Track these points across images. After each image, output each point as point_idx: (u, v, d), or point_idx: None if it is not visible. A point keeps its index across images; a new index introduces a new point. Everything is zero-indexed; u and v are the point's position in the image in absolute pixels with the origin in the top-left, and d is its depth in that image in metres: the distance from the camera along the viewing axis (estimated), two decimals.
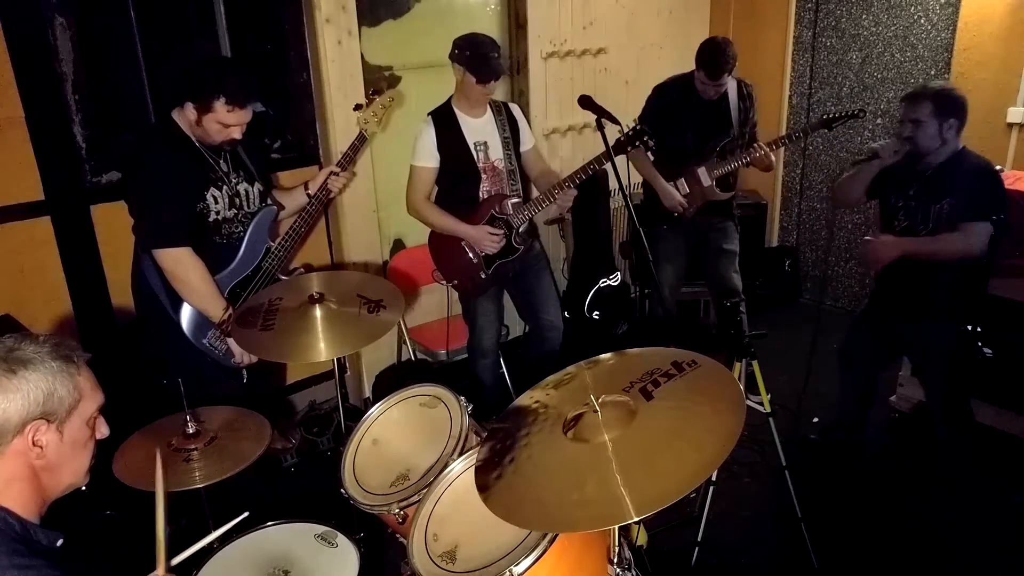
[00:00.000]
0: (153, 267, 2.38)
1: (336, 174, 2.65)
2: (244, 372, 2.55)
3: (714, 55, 3.15)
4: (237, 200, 2.46)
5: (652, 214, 3.52)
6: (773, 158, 3.29)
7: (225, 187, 2.42)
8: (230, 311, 2.37)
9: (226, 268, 2.47)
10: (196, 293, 2.36)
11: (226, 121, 2.30)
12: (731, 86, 3.32)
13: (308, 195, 2.67)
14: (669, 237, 3.53)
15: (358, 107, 2.71)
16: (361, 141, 2.67)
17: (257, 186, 2.54)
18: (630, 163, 3.46)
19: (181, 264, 2.32)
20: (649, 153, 3.51)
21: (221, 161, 2.43)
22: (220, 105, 2.26)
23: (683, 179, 3.39)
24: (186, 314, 2.41)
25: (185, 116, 2.33)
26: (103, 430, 1.32)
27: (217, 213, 2.41)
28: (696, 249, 3.61)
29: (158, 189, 2.30)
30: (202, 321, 2.42)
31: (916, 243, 2.62)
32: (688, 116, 3.35)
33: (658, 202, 3.46)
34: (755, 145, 3.26)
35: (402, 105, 3.68)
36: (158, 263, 2.34)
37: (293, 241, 2.58)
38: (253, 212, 2.52)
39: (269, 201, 2.59)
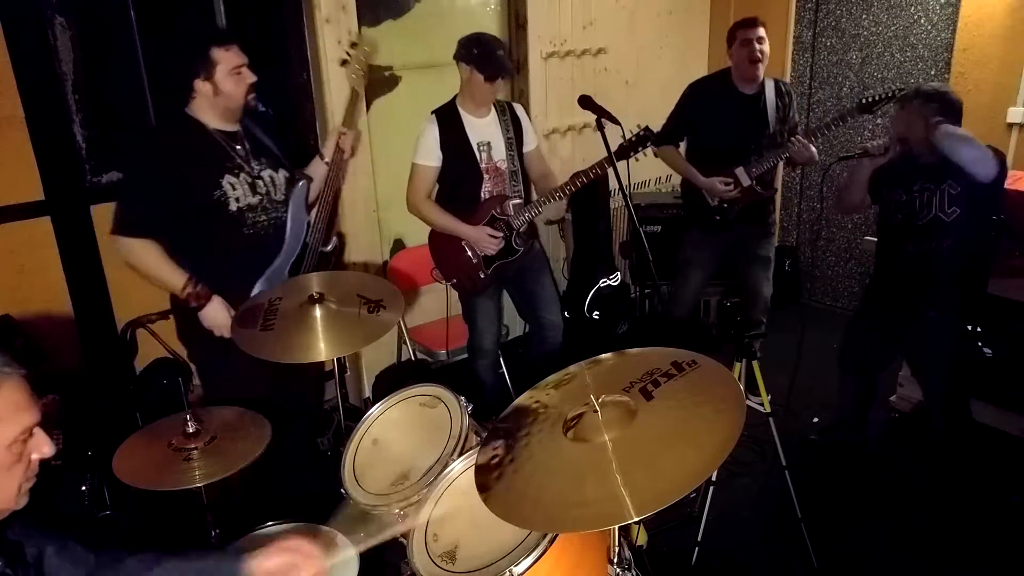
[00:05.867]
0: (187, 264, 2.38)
1: (344, 133, 2.68)
2: None
3: (742, 19, 3.25)
4: (260, 185, 2.43)
5: (691, 217, 3.49)
6: (814, 150, 3.23)
7: (243, 174, 2.39)
8: (191, 283, 2.33)
9: (278, 254, 2.47)
10: (151, 276, 2.34)
11: (232, 63, 2.30)
12: (768, 85, 3.31)
13: (326, 163, 2.68)
14: (705, 242, 3.50)
15: (344, 63, 2.79)
16: (356, 97, 2.73)
17: (283, 172, 2.52)
18: (662, 162, 3.46)
19: (133, 253, 2.30)
20: (683, 150, 3.49)
21: (238, 147, 2.40)
22: (218, 52, 2.28)
23: (722, 180, 3.33)
24: None
25: (202, 98, 2.32)
26: (44, 449, 1.17)
27: (237, 200, 2.36)
28: (729, 254, 3.56)
29: (136, 180, 2.34)
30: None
31: (961, 134, 2.50)
32: (724, 114, 3.32)
33: (697, 205, 3.42)
34: (792, 139, 3.20)
35: (402, 105, 3.69)
36: (116, 250, 2.32)
37: (326, 211, 2.61)
38: (281, 200, 2.49)
39: (297, 176, 2.59)
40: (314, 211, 2.61)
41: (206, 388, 2.60)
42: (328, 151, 2.69)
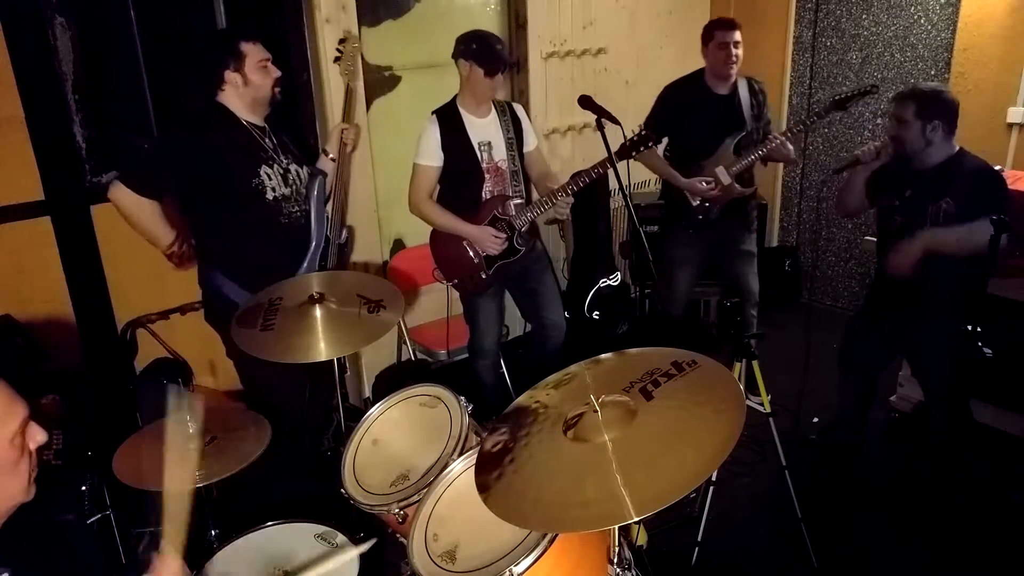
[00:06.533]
0: (223, 275, 2.46)
1: (347, 128, 2.80)
2: None
3: (719, 19, 3.30)
4: (290, 177, 2.54)
5: (674, 218, 3.50)
6: (791, 147, 3.27)
7: (276, 165, 2.50)
8: (178, 243, 2.45)
9: (309, 247, 2.57)
10: (141, 228, 2.40)
11: (260, 57, 2.44)
12: (742, 84, 3.33)
13: (332, 159, 2.79)
14: (690, 241, 3.51)
15: (337, 59, 2.89)
16: (351, 94, 2.85)
17: (306, 168, 2.64)
18: (643, 165, 3.46)
19: (130, 205, 2.34)
20: (664, 152, 3.50)
21: (267, 140, 2.52)
22: (246, 45, 2.42)
23: (702, 180, 3.35)
24: None
25: (231, 88, 2.44)
26: (38, 438, 1.19)
27: (274, 190, 2.47)
28: (714, 252, 3.58)
29: (167, 150, 2.45)
30: None
31: (939, 235, 2.54)
32: (701, 114, 3.33)
33: (680, 206, 3.44)
34: (770, 136, 3.24)
35: (402, 105, 3.69)
36: (112, 201, 2.37)
37: (339, 205, 2.74)
38: (306, 193, 2.59)
39: (314, 171, 2.69)
40: (329, 205, 2.70)
41: (244, 382, 2.68)
42: (333, 147, 2.79)
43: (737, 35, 3.21)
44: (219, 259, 2.49)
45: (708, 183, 3.31)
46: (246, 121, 2.47)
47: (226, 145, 2.41)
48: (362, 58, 3.42)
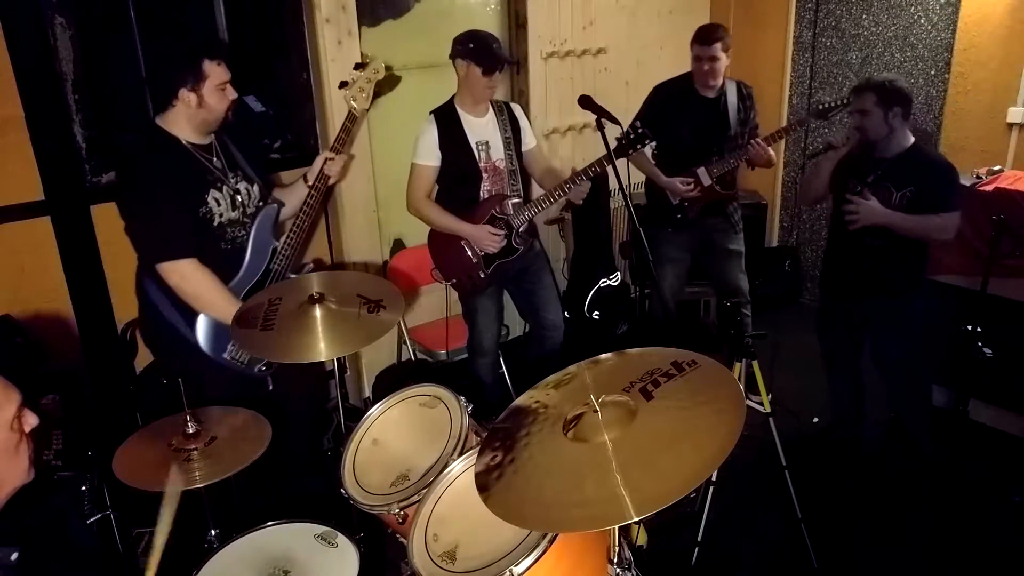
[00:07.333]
0: (158, 288, 2.31)
1: (331, 159, 2.57)
2: (268, 380, 2.52)
3: (704, 27, 3.32)
4: (238, 198, 2.39)
5: (655, 216, 3.52)
6: (772, 153, 3.32)
7: (225, 187, 2.35)
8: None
9: (235, 275, 2.39)
10: (209, 304, 2.30)
11: (221, 79, 2.25)
12: (730, 87, 3.36)
13: (308, 186, 2.57)
14: (672, 239, 3.53)
15: (343, 84, 2.63)
16: (352, 120, 2.59)
17: (256, 186, 2.48)
18: (630, 162, 3.47)
19: (188, 279, 2.25)
20: (649, 151, 3.52)
21: (214, 159, 2.35)
22: (209, 65, 2.23)
23: (682, 179, 3.39)
24: (202, 332, 2.34)
25: (182, 108, 2.25)
26: (31, 421, 1.25)
27: (221, 215, 2.33)
28: (699, 251, 3.60)
29: (154, 200, 2.23)
30: (219, 335, 2.35)
31: (902, 219, 2.68)
32: (687, 116, 3.36)
33: (660, 204, 3.46)
34: (752, 141, 3.28)
35: (402, 105, 3.68)
36: (164, 279, 2.26)
37: (298, 237, 2.50)
38: (254, 213, 2.44)
39: (269, 200, 2.53)
40: (284, 237, 2.50)
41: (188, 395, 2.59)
42: (312, 175, 2.59)
43: (714, 49, 3.21)
44: (152, 275, 2.31)
45: (688, 183, 3.36)
46: (188, 142, 2.29)
47: (176, 175, 2.24)
48: (362, 58, 3.43)
